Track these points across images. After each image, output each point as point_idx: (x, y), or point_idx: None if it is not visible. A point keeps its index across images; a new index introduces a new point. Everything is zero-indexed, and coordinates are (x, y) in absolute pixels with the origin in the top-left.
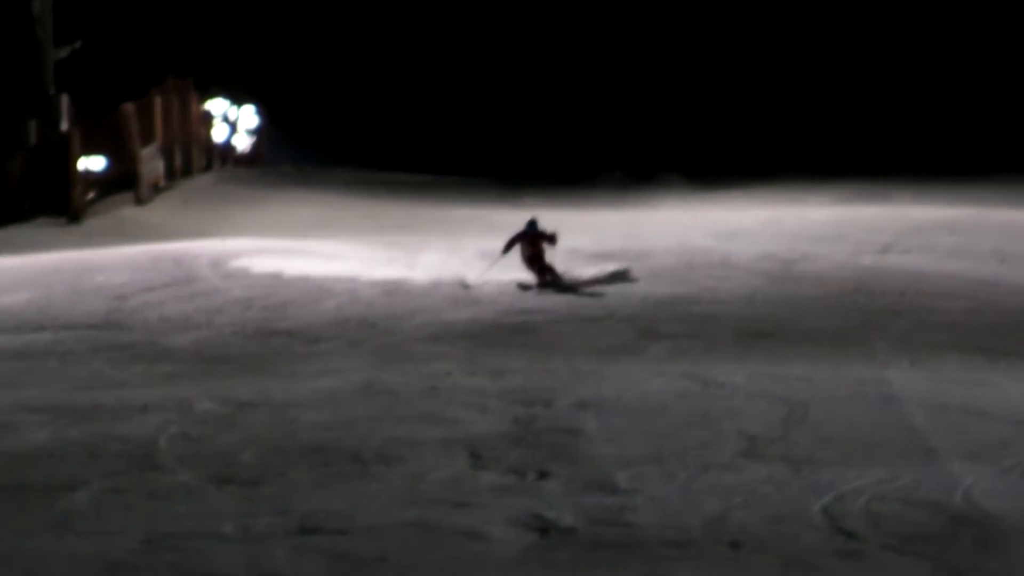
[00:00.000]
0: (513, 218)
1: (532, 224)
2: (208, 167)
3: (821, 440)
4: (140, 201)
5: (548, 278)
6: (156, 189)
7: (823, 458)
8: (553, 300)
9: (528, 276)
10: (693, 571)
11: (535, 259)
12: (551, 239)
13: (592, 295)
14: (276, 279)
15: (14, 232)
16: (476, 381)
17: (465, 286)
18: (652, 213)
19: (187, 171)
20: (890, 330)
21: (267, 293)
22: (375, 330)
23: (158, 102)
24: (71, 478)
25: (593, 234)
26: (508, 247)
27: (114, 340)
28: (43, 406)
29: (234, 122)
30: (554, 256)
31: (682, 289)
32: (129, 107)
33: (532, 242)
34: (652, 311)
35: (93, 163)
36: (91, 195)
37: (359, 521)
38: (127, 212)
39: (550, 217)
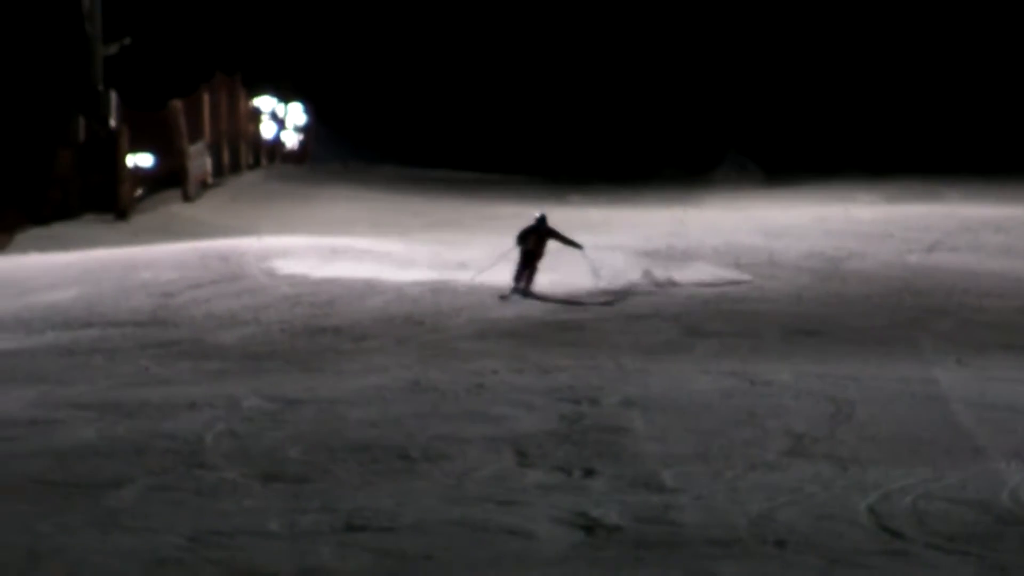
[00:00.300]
0: (559, 216)
1: (542, 220)
2: (256, 164)
3: (867, 439)
4: (188, 198)
5: (520, 284)
6: (204, 186)
7: (869, 457)
8: (598, 297)
9: (508, 276)
10: (738, 570)
11: (528, 255)
12: (572, 242)
13: (637, 294)
14: (323, 276)
15: (62, 228)
16: (523, 379)
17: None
18: (699, 211)
19: (235, 168)
20: (937, 329)
21: (314, 290)
22: (421, 327)
23: (206, 99)
24: (118, 475)
25: (639, 232)
26: (521, 238)
27: (161, 337)
28: (90, 403)
29: (282, 119)
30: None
31: (729, 287)
32: (177, 104)
33: (539, 239)
34: (698, 309)
35: (141, 160)
36: (139, 192)
37: (405, 518)
38: (175, 209)
39: (595, 215)
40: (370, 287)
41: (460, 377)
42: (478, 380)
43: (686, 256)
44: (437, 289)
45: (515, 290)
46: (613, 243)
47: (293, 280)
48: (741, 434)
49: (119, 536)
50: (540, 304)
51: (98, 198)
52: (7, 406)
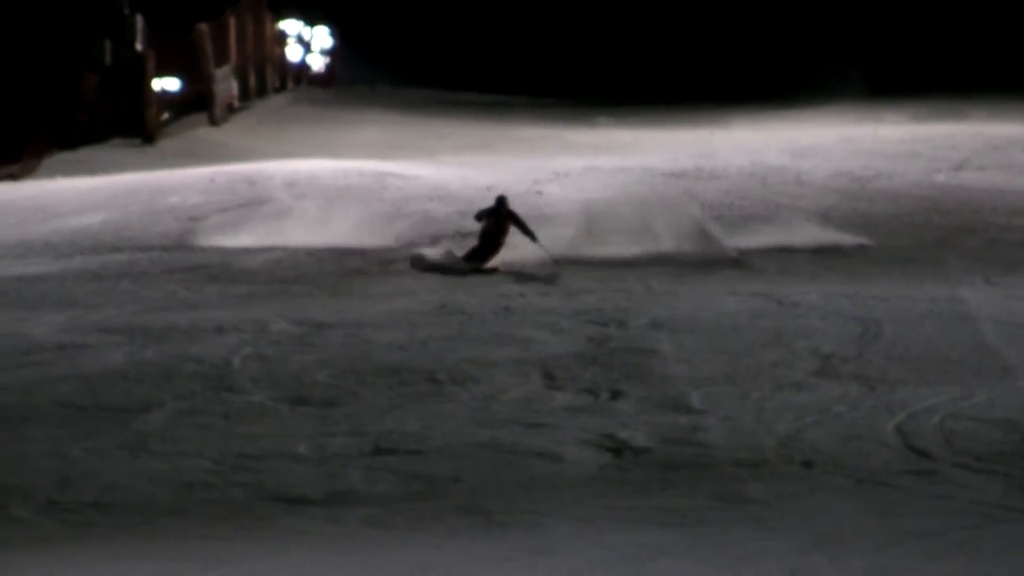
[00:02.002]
0: (587, 138)
1: (500, 203)
2: (282, 87)
3: (895, 358)
4: (214, 122)
5: (474, 263)
6: (230, 110)
7: (897, 376)
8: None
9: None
10: (765, 491)
11: (486, 238)
12: (530, 233)
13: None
14: (350, 199)
15: (89, 153)
16: (549, 301)
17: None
18: (726, 132)
19: (261, 91)
20: (964, 247)
21: (341, 213)
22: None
23: (232, 22)
24: (146, 399)
25: (666, 153)
26: (479, 216)
27: (188, 261)
28: (118, 327)
29: (308, 42)
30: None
31: (757, 208)
32: (203, 27)
33: (499, 222)
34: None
35: (167, 83)
36: (165, 116)
37: (433, 441)
38: (201, 133)
39: (623, 136)
40: (397, 210)
41: (487, 300)
42: (505, 303)
43: (714, 176)
44: (464, 212)
45: (463, 264)
46: (640, 164)
47: (320, 203)
48: (769, 355)
49: (148, 460)
50: (568, 224)
51: (125, 122)
52: (36, 331)
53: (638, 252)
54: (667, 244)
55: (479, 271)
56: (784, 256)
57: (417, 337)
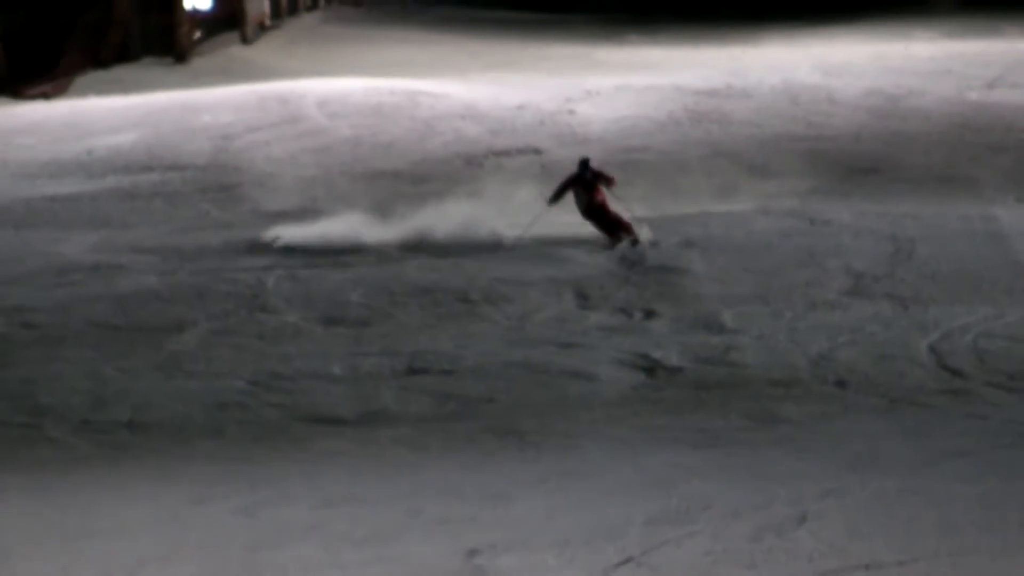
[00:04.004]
0: (618, 56)
1: (584, 165)
2: (313, 6)
3: (927, 277)
4: (246, 40)
5: (621, 235)
6: (261, 28)
7: (929, 295)
8: (659, 138)
9: (592, 231)
10: (799, 410)
11: (596, 211)
12: (608, 180)
13: (700, 130)
14: (382, 117)
15: (121, 72)
16: (582, 220)
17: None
18: (757, 50)
19: (292, 10)
20: (997, 166)
21: (373, 132)
22: (481, 169)
23: None
24: (179, 319)
25: (698, 71)
26: (557, 195)
27: (221, 180)
28: (151, 247)
29: None
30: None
31: (788, 126)
32: None
33: (587, 189)
34: (757, 149)
35: (199, 2)
36: (197, 34)
37: (466, 361)
38: (233, 51)
39: (654, 54)
40: (429, 128)
41: (519, 219)
42: (538, 223)
43: (745, 94)
44: (496, 131)
45: (615, 242)
46: (671, 82)
47: (352, 122)
48: (801, 274)
49: (181, 380)
50: (599, 144)
51: (157, 41)
52: (70, 250)
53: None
54: None
55: (634, 241)
56: (813, 174)
57: (450, 256)
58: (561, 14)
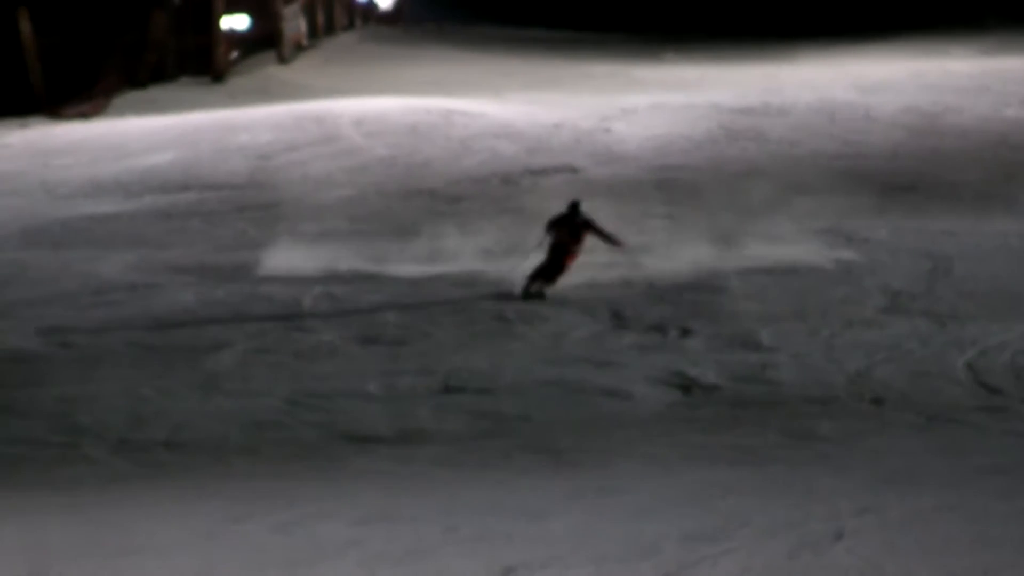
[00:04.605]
0: (654, 74)
1: (574, 209)
2: (350, 26)
3: (965, 294)
4: (283, 60)
5: (534, 285)
6: (298, 48)
7: (967, 313)
8: (695, 156)
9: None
10: (836, 427)
11: (560, 254)
12: (610, 238)
13: (736, 148)
14: (418, 137)
15: (159, 91)
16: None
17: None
18: (793, 68)
19: (329, 29)
20: None
21: (409, 151)
22: (517, 188)
23: None
24: (216, 339)
25: (734, 89)
26: (548, 229)
27: (258, 199)
28: (189, 266)
29: None
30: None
31: (824, 144)
32: None
33: (573, 233)
34: (794, 167)
35: (236, 22)
36: (234, 54)
37: (502, 379)
38: (270, 71)
39: (690, 73)
40: (465, 147)
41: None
42: None
43: (782, 112)
44: (532, 149)
45: (526, 290)
46: (708, 100)
47: (389, 141)
48: (838, 291)
49: (219, 399)
50: (635, 163)
51: (194, 61)
52: (107, 270)
53: None
54: None
55: (530, 295)
56: (851, 191)
57: (487, 275)
58: (598, 33)
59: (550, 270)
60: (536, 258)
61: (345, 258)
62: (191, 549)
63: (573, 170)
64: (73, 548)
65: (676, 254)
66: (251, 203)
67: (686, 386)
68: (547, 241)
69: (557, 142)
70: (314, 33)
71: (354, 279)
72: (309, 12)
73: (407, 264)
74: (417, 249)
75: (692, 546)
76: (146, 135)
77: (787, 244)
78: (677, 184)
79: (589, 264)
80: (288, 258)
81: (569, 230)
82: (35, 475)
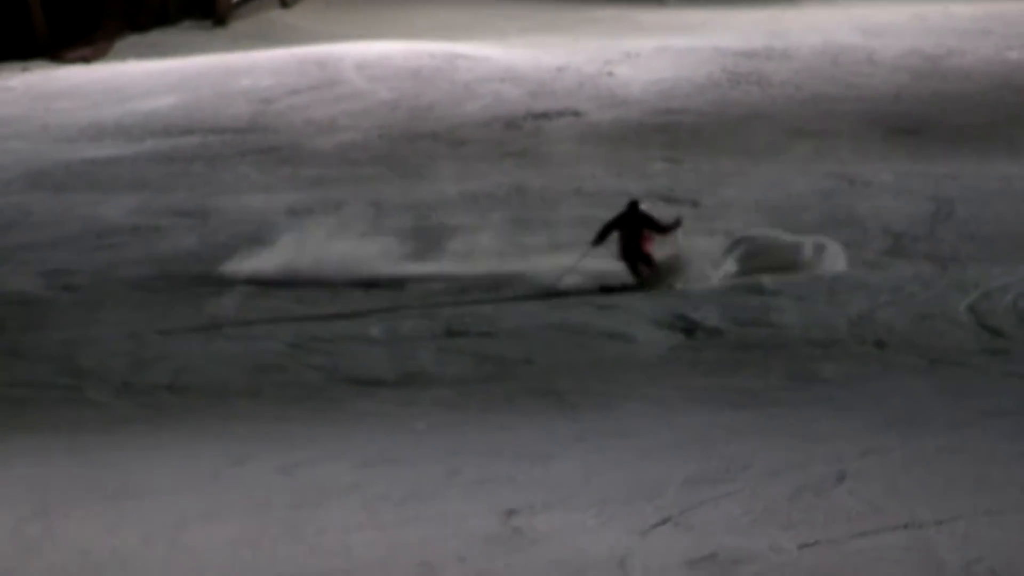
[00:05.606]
0: (658, 18)
1: (634, 207)
2: None
3: (967, 237)
4: (285, 4)
5: (644, 274)
6: None
7: (969, 255)
8: (698, 100)
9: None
10: (838, 370)
11: (634, 252)
12: (668, 229)
13: (739, 92)
14: (421, 81)
15: (160, 35)
16: (621, 182)
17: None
18: (797, 11)
19: None
20: None
21: (412, 95)
22: (520, 132)
23: None
24: (219, 282)
25: (738, 32)
26: (603, 235)
27: (260, 143)
28: (191, 210)
29: None
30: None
31: (828, 88)
32: None
33: (633, 233)
34: (798, 110)
35: None
36: None
37: (504, 323)
38: (272, 15)
39: (694, 16)
40: (468, 91)
41: (558, 182)
42: (577, 184)
43: (785, 56)
44: (535, 93)
45: (639, 279)
46: (711, 44)
47: (391, 85)
48: (840, 235)
49: (221, 342)
50: (638, 106)
51: (196, 4)
52: (110, 213)
53: None
54: None
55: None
56: (854, 134)
57: (490, 219)
58: None
59: (641, 262)
60: (584, 256)
61: (346, 201)
62: (195, 490)
63: (576, 114)
64: (76, 489)
65: (678, 198)
66: (253, 147)
67: (689, 329)
68: (608, 245)
69: (560, 86)
70: None
71: (355, 221)
72: None
73: (409, 206)
74: (419, 191)
75: (694, 488)
76: (148, 79)
77: (788, 187)
78: (680, 128)
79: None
80: (289, 203)
81: (629, 231)
82: (38, 417)
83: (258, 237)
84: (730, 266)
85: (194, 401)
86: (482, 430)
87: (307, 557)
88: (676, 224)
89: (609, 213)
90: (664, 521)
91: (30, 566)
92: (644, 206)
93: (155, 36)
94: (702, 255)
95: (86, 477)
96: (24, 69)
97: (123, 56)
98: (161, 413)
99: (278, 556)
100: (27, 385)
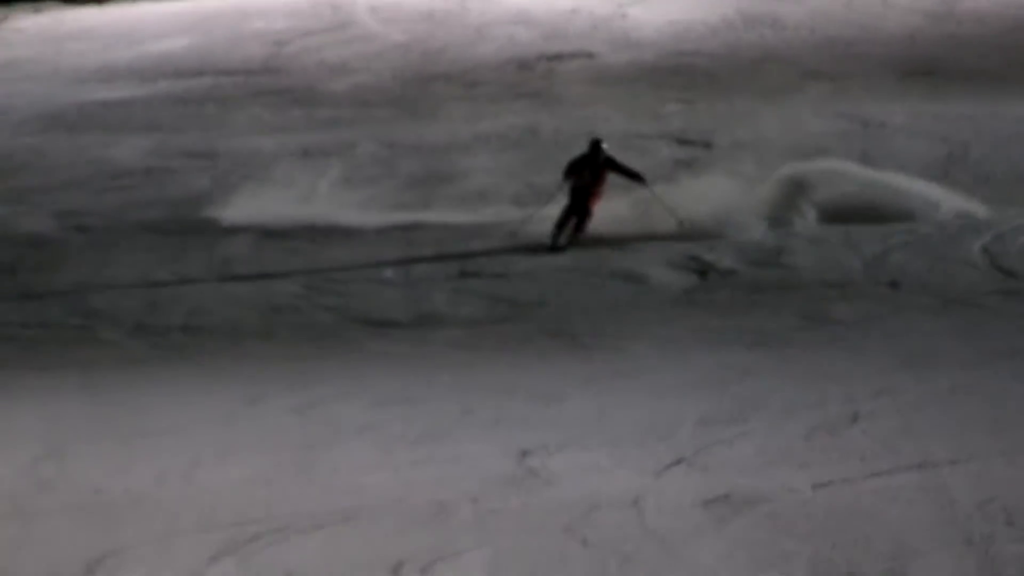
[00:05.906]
0: None
1: (596, 146)
2: None
3: (981, 179)
4: None
5: (560, 238)
6: None
7: (983, 197)
8: (712, 42)
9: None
10: (852, 310)
11: (583, 197)
12: (633, 174)
13: (753, 34)
14: (434, 23)
15: None
16: (635, 124)
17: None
18: None
19: None
20: None
21: (425, 37)
22: (533, 74)
23: None
24: (232, 223)
25: None
26: (566, 176)
27: (273, 85)
28: (203, 151)
29: None
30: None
31: (841, 30)
32: None
33: (593, 175)
34: (812, 52)
35: None
36: None
37: (518, 265)
38: None
39: None
40: (481, 34)
41: (571, 124)
42: (590, 126)
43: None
44: (549, 35)
45: (552, 245)
46: None
47: (404, 27)
48: None
49: (234, 283)
50: (652, 48)
51: None
52: (122, 155)
53: None
54: None
55: (559, 248)
56: (868, 76)
57: (503, 161)
58: None
59: (578, 218)
60: (557, 204)
61: (360, 142)
62: (208, 430)
63: (589, 56)
64: (90, 428)
65: (692, 139)
66: (266, 89)
67: (702, 271)
68: (567, 186)
69: (573, 28)
70: None
71: (369, 163)
72: None
73: (423, 148)
74: (432, 133)
75: (708, 428)
76: (160, 20)
77: (803, 128)
78: (694, 70)
79: None
80: (302, 144)
81: (590, 171)
82: (51, 357)
83: (266, 178)
84: (807, 212)
85: (207, 342)
86: (495, 371)
87: (320, 496)
88: (640, 175)
89: (622, 155)
90: (678, 461)
91: (44, 504)
92: (606, 146)
93: None
94: (737, 205)
95: (100, 416)
96: (36, 11)
97: None
98: (174, 353)
99: (291, 495)
100: (40, 325)
